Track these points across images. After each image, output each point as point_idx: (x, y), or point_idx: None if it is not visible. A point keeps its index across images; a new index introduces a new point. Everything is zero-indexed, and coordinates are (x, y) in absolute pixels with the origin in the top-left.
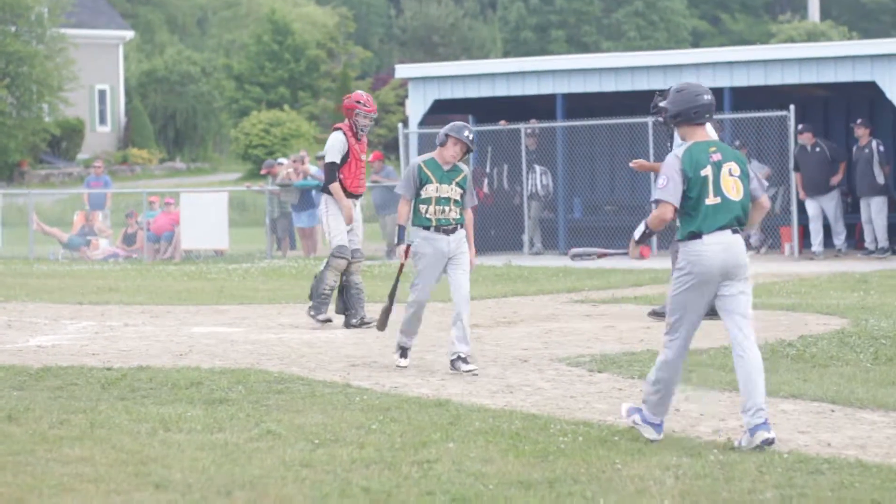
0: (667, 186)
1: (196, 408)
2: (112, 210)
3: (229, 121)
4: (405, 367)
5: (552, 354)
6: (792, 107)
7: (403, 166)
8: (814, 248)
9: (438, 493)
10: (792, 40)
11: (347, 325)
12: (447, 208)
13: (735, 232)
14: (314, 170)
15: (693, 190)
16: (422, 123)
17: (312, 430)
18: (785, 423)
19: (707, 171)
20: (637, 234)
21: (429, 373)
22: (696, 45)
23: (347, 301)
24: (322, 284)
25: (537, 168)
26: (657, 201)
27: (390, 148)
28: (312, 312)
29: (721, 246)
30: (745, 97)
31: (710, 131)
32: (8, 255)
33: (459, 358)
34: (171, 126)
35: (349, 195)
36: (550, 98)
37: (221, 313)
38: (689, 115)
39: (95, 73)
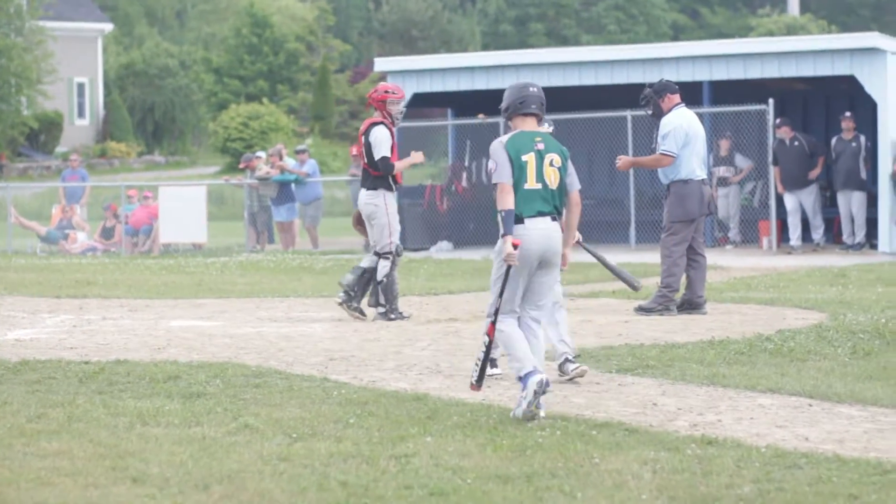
0: (497, 169)
1: (174, 402)
2: (90, 203)
3: (208, 114)
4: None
5: None
6: (771, 101)
7: None
8: (792, 242)
9: (416, 487)
10: (771, 34)
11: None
12: None
13: (554, 220)
14: (292, 163)
15: (514, 174)
16: None
17: (290, 424)
18: (762, 417)
19: (528, 158)
20: (501, 229)
21: (406, 367)
22: (675, 38)
23: (361, 286)
24: (393, 286)
25: None
26: (495, 184)
27: None
28: (392, 316)
29: (541, 232)
30: (725, 91)
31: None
32: None
33: (568, 360)
34: (149, 119)
35: (396, 185)
36: None
37: (199, 307)
38: (517, 105)
39: (74, 65)
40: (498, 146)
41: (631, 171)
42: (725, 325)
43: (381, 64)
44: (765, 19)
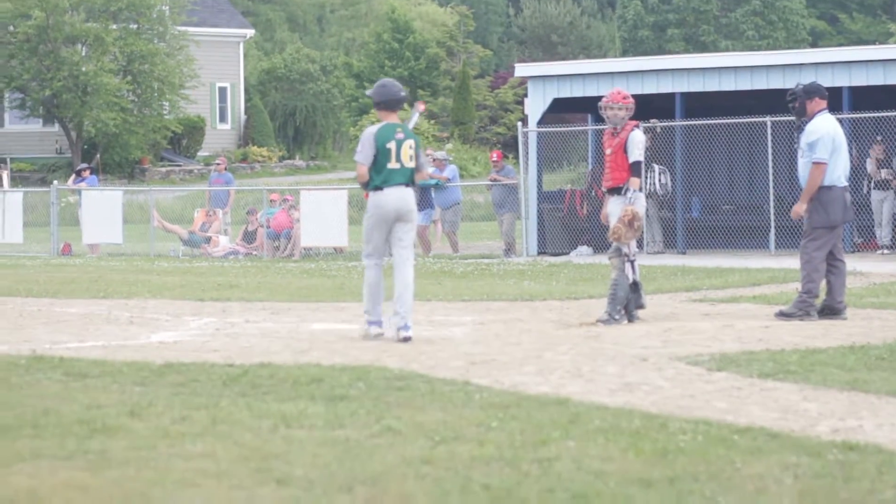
0: (362, 151)
1: (317, 404)
2: (233, 207)
3: (349, 119)
4: None
5: (671, 353)
6: None
7: (523, 165)
8: None
9: (559, 490)
10: None
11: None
12: None
13: (407, 186)
14: (431, 170)
15: (380, 155)
16: (541, 122)
17: (432, 428)
18: None
19: (391, 145)
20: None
21: (548, 371)
22: (814, 44)
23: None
24: (615, 288)
25: (656, 167)
26: (357, 162)
27: (509, 147)
28: (605, 317)
29: (396, 195)
30: (864, 97)
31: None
32: (129, 251)
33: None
34: (290, 124)
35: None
36: (669, 97)
37: (341, 310)
38: (392, 104)
39: (216, 70)
40: (369, 134)
41: (770, 176)
42: (866, 330)
43: (522, 69)
44: None
